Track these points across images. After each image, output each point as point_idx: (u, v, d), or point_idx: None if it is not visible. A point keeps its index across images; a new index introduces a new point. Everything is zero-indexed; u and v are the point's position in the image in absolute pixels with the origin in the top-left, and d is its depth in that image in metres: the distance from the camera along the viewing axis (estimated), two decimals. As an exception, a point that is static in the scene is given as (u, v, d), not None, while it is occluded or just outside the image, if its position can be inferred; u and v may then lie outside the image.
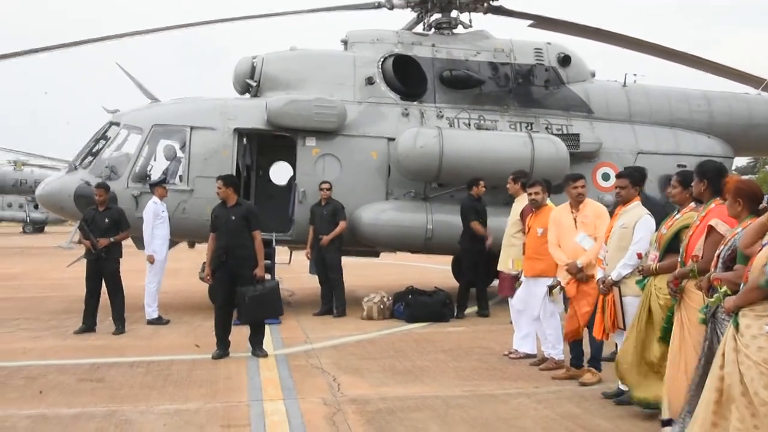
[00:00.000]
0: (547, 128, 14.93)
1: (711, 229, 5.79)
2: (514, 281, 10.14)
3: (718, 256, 5.44)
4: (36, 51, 15.65)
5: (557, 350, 9.20)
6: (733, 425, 4.83)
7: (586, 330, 8.46)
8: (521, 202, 10.23)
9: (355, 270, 16.40)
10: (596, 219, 8.54)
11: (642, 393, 6.94)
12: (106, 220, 11.78)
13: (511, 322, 10.46)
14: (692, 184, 6.43)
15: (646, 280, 6.93)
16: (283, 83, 14.36)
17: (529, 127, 14.89)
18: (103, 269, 11.74)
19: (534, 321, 9.57)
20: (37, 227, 53.75)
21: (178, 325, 12.36)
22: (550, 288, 8.94)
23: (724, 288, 5.21)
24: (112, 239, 11.68)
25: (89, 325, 11.69)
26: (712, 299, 5.35)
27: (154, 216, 12.47)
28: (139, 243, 13.36)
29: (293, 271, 16.66)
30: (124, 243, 12.12)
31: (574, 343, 8.59)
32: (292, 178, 14.73)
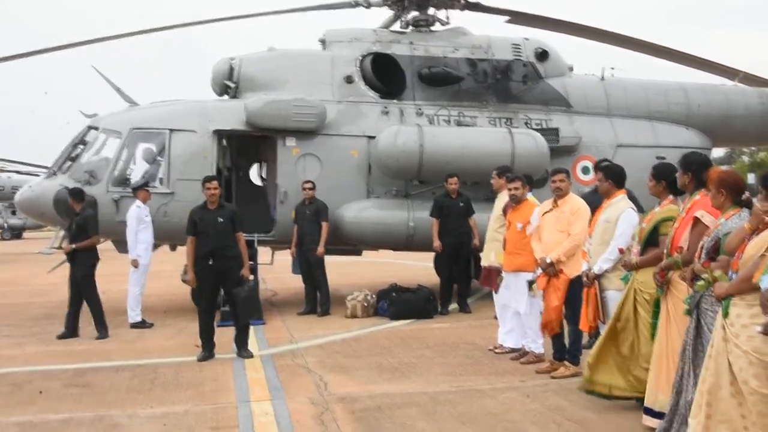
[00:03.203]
0: (526, 123, 14.97)
1: (696, 221, 5.84)
2: (497, 275, 10.19)
3: (702, 247, 5.49)
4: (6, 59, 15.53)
5: (537, 344, 9.28)
6: (721, 414, 4.88)
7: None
8: (504, 197, 10.27)
9: (337, 269, 16.41)
10: (571, 215, 8.56)
11: (598, 378, 7.08)
12: (74, 226, 11.76)
13: (495, 317, 10.54)
14: (676, 175, 6.50)
15: (629, 275, 7.00)
16: (261, 84, 14.33)
17: (509, 123, 14.92)
18: (73, 274, 11.74)
19: (515, 315, 9.65)
20: (15, 233, 53.32)
21: (161, 328, 12.32)
22: (530, 283, 9.01)
23: (716, 272, 5.23)
24: (74, 246, 11.62)
25: (71, 330, 11.63)
26: (698, 284, 5.40)
27: (138, 220, 12.39)
28: (121, 247, 13.31)
29: (275, 271, 16.65)
30: (102, 247, 12.07)
31: (555, 337, 8.66)
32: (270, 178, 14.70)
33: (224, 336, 10.22)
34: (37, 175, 23.69)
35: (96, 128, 14.03)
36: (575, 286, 8.30)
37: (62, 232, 13.31)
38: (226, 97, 14.76)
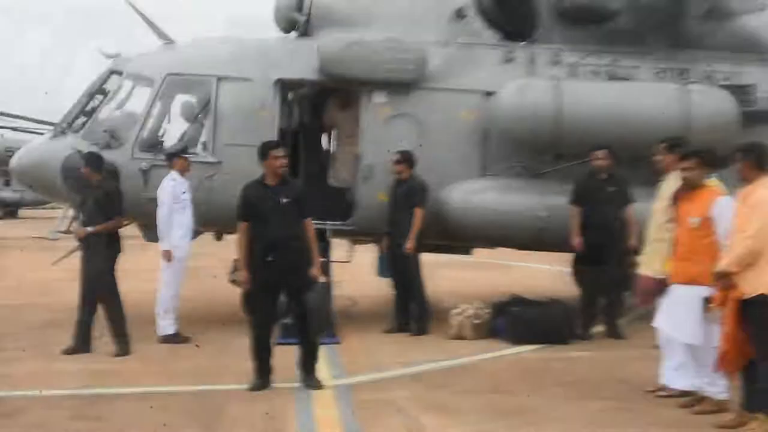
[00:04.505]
0: (708, 77, 14.67)
1: None
2: (659, 288, 10.00)
3: None
4: None
5: (718, 386, 9.05)
6: None
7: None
8: (675, 180, 10.08)
9: (439, 272, 16.41)
10: (751, 209, 8.32)
11: None
12: (90, 203, 11.91)
13: (658, 346, 10.35)
14: None
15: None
16: (341, 19, 14.36)
17: (683, 76, 14.65)
18: (86, 268, 11.86)
19: (688, 345, 9.45)
20: (9, 211, 54.65)
21: (201, 344, 12.49)
22: (706, 300, 8.80)
23: None
24: (89, 230, 11.77)
25: (82, 342, 11.84)
26: None
27: (173, 198, 12.56)
28: (149, 233, 13.51)
29: (355, 272, 16.71)
30: (126, 232, 12.26)
31: (745, 377, 8.44)
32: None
33: (285, 358, 10.28)
34: (41, 134, 24.18)
35: (120, 73, 14.23)
36: (757, 308, 8.09)
37: (72, 211, 13.57)
38: (293, 35, 14.83)
